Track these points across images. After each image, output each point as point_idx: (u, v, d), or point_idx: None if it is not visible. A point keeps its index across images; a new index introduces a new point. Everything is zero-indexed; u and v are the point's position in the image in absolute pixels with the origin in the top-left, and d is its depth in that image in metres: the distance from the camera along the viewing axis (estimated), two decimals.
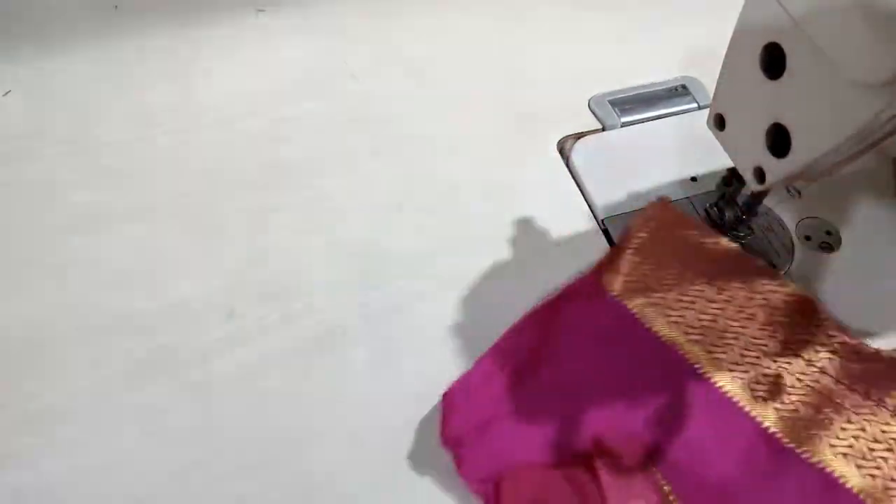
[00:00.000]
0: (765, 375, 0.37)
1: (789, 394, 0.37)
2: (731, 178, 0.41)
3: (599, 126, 0.52)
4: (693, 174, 0.48)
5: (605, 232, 0.45)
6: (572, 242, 0.45)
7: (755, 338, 0.39)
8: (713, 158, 0.42)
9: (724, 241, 0.41)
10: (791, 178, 0.33)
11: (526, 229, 0.45)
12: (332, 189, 0.47)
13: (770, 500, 0.35)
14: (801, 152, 0.31)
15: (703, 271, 0.40)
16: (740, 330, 0.39)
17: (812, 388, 0.37)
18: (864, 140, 0.29)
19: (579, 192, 0.47)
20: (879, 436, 0.36)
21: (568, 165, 0.49)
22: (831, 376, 0.38)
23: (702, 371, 0.38)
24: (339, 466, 0.36)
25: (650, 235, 0.42)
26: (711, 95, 0.37)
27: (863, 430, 0.36)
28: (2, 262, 0.42)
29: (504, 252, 0.44)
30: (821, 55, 0.28)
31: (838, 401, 0.37)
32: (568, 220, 0.46)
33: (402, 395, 0.38)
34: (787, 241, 0.45)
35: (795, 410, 0.37)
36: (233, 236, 0.44)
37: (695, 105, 0.53)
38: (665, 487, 0.35)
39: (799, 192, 0.47)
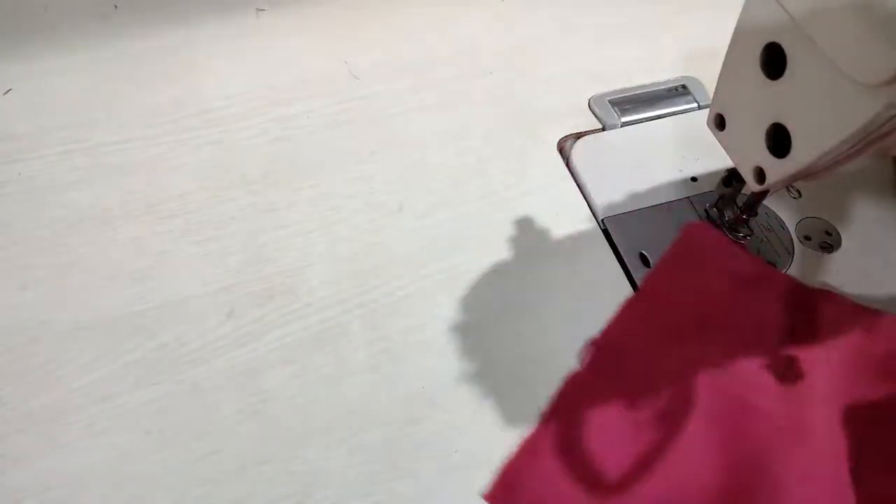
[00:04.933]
0: None
1: None
2: (731, 178, 0.41)
3: (599, 126, 0.52)
4: (693, 174, 0.48)
5: (605, 232, 0.45)
6: (572, 242, 0.45)
7: None
8: (713, 158, 0.42)
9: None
10: (791, 178, 0.33)
11: (526, 229, 0.45)
12: (332, 189, 0.47)
13: None
14: (801, 152, 0.31)
15: None
16: None
17: None
18: (864, 140, 0.29)
19: (579, 192, 0.47)
20: None
21: (568, 165, 0.49)
22: None
23: None
24: (338, 466, 0.36)
25: None
26: (711, 95, 0.37)
27: None
28: (2, 262, 0.42)
29: (504, 252, 0.44)
30: (821, 55, 0.28)
31: None
32: (568, 219, 0.46)
33: (401, 395, 0.38)
34: (787, 241, 0.45)
35: None
36: (233, 236, 0.44)
37: (695, 105, 0.53)
38: None
39: (799, 192, 0.47)
